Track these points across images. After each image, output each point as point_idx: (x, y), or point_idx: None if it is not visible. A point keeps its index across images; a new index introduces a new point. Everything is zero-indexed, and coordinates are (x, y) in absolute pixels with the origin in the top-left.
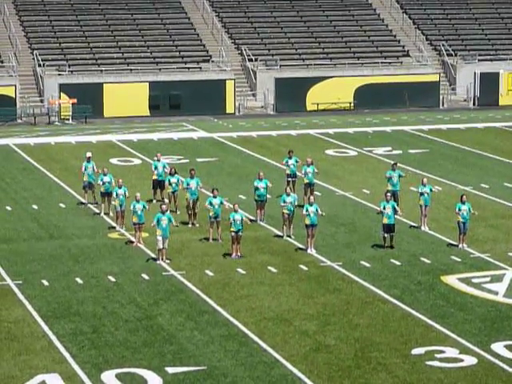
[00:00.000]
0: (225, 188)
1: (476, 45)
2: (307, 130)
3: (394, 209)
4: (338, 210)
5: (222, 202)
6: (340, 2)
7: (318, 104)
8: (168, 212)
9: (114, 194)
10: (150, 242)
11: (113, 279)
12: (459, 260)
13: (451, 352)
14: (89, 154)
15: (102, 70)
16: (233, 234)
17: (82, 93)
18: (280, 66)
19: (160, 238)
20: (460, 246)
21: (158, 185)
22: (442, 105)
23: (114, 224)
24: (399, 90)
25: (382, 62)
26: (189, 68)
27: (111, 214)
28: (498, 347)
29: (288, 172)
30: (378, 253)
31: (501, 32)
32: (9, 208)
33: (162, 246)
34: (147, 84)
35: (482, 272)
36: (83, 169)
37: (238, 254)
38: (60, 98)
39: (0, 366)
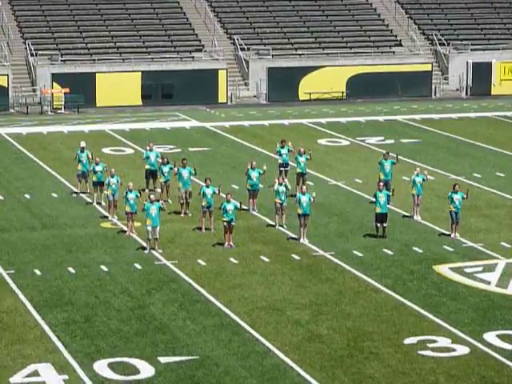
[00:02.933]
0: (217, 177)
1: (468, 34)
2: (299, 119)
3: (388, 197)
4: (330, 200)
5: (214, 192)
6: None
7: (310, 93)
8: (157, 201)
9: (106, 184)
10: (142, 232)
11: (105, 269)
12: (451, 249)
13: (443, 341)
14: (82, 144)
15: (94, 60)
16: (225, 223)
17: (75, 82)
18: (272, 55)
19: (150, 228)
20: (452, 235)
21: (151, 174)
22: (435, 94)
23: (106, 213)
24: (391, 79)
25: (374, 52)
26: (181, 57)
27: (103, 203)
28: (490, 337)
29: (280, 161)
30: (371, 242)
31: (493, 21)
32: (1, 197)
33: (151, 236)
34: (139, 73)
35: (474, 261)
36: (77, 157)
37: (231, 243)
38: (52, 87)
39: None
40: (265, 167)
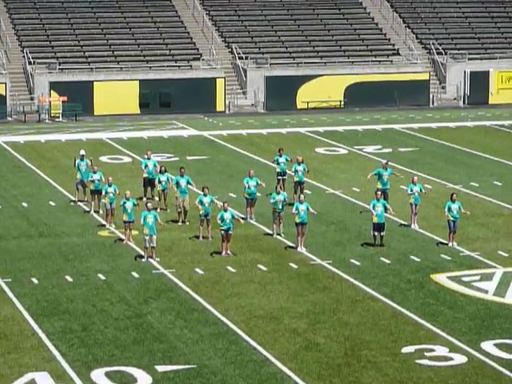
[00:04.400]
0: (215, 186)
1: (466, 43)
2: (297, 128)
3: (385, 207)
4: (327, 209)
5: (212, 200)
6: (330, 1)
7: (308, 102)
8: (155, 210)
9: (104, 192)
10: (140, 240)
11: (102, 277)
12: (449, 258)
13: (441, 350)
14: (82, 152)
15: (92, 68)
16: (223, 232)
17: (72, 91)
18: (270, 64)
19: (147, 237)
20: (450, 244)
21: (149, 183)
22: (432, 103)
23: (103, 222)
24: (389, 88)
25: (372, 61)
26: (179, 66)
27: (101, 211)
28: (488, 346)
29: (278, 170)
30: (368, 251)
31: (491, 31)
32: None
33: (148, 245)
34: (137, 82)
35: (471, 270)
36: (76, 166)
37: (228, 252)
38: (50, 95)
39: None
40: (263, 184)
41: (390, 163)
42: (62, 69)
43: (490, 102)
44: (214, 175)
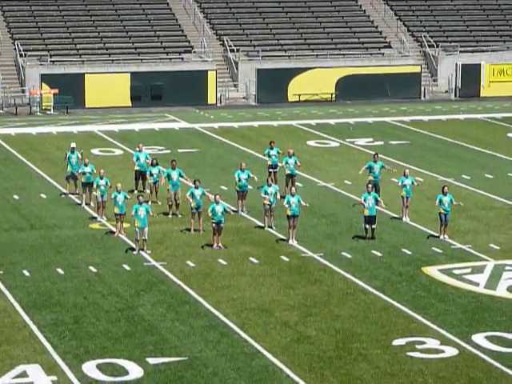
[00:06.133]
0: (206, 179)
1: (457, 36)
2: (289, 120)
3: (376, 200)
4: (319, 201)
5: (203, 193)
6: None
7: (299, 95)
8: (146, 203)
9: (95, 185)
10: (131, 233)
11: (94, 270)
12: (440, 251)
13: (432, 343)
14: (73, 145)
15: (83, 61)
16: (214, 225)
17: (64, 83)
18: (262, 56)
19: (138, 230)
20: (441, 237)
21: (140, 176)
22: (424, 96)
23: (95, 214)
24: (381, 81)
25: (363, 53)
26: (170, 58)
27: (92, 204)
28: (479, 338)
29: (269, 163)
30: (359, 244)
31: (482, 23)
32: None
33: (139, 237)
34: (129, 74)
35: (463, 263)
36: (66, 159)
37: (220, 245)
38: (41, 88)
39: None
40: (255, 178)
41: (381, 156)
42: (54, 61)
43: (481, 95)
44: (206, 168)
